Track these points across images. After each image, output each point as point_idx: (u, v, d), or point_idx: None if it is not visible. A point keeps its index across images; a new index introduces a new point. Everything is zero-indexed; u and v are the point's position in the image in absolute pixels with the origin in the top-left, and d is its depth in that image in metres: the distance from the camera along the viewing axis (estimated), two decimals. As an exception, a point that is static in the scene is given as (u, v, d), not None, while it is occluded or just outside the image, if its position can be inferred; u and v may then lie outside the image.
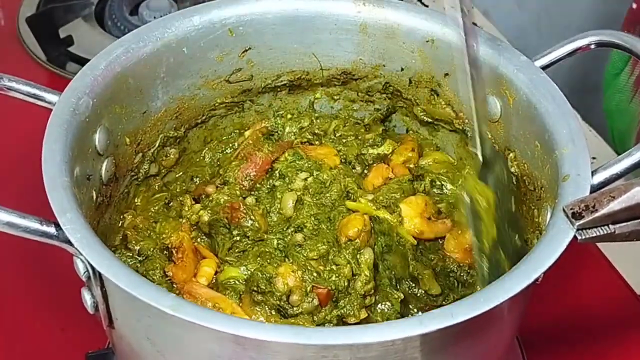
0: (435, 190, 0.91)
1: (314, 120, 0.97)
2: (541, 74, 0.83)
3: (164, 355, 0.71)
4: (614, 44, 0.84)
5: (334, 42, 0.93)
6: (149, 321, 0.69)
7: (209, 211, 0.87)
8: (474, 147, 0.84)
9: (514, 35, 1.35)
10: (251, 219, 0.85)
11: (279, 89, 0.96)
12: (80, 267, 0.71)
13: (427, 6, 1.40)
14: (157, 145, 0.91)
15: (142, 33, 0.87)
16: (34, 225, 0.70)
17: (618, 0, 1.32)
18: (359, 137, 0.95)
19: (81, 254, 0.68)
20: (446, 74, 0.90)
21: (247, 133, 0.95)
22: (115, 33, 1.30)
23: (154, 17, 1.30)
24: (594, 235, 0.69)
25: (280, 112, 0.97)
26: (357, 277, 0.81)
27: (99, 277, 0.71)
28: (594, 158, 0.75)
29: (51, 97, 0.80)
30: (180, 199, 0.91)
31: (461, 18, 0.82)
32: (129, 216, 0.88)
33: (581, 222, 0.69)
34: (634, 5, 1.28)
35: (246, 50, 0.92)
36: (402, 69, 0.92)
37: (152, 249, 0.85)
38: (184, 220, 0.88)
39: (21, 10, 1.35)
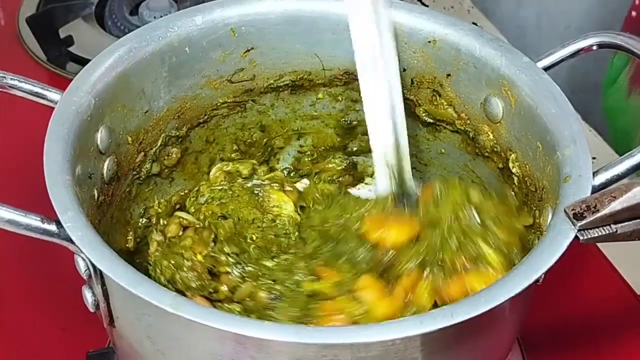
0: None
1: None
2: (543, 75, 0.83)
3: (164, 354, 0.71)
4: (616, 45, 0.84)
5: (337, 42, 0.92)
6: (150, 320, 0.69)
7: None
8: None
9: (514, 35, 1.35)
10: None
11: (281, 89, 0.96)
12: (81, 266, 0.72)
13: (427, 6, 1.41)
14: (159, 144, 0.91)
15: (144, 32, 0.87)
16: (35, 223, 0.70)
17: (618, 0, 1.32)
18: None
19: (82, 252, 0.68)
20: (448, 75, 0.90)
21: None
22: (115, 33, 1.30)
23: (154, 17, 1.29)
24: (596, 235, 0.69)
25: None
26: None
27: (100, 275, 0.71)
28: (594, 158, 0.75)
29: (53, 95, 0.81)
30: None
31: None
32: None
33: (582, 222, 0.69)
34: (633, 14, 1.28)
35: (248, 50, 0.92)
36: (403, 70, 0.92)
37: None
38: None
39: (21, 10, 1.34)
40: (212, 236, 0.87)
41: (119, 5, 1.34)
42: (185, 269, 0.83)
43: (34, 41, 1.28)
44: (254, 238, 0.88)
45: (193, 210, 0.91)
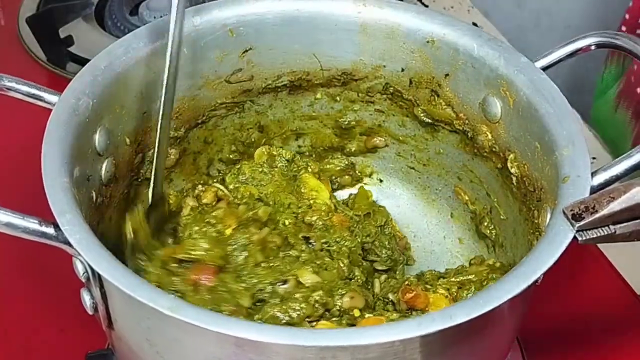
0: None
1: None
2: (542, 74, 0.83)
3: (162, 356, 0.71)
4: (615, 45, 0.84)
5: (335, 42, 0.92)
6: (148, 322, 0.69)
7: None
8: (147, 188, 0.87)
9: (514, 36, 1.35)
10: None
11: (279, 90, 0.96)
12: (79, 268, 0.72)
13: (427, 6, 1.41)
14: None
15: (142, 33, 0.87)
16: (33, 225, 0.70)
17: (618, 0, 1.32)
18: None
19: (80, 255, 0.68)
20: (446, 75, 0.90)
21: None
22: (115, 33, 1.30)
23: (154, 17, 1.29)
24: (595, 236, 0.69)
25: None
26: None
27: (98, 278, 0.71)
28: (593, 158, 0.75)
29: (51, 97, 0.80)
30: None
31: None
32: None
33: (581, 223, 0.69)
34: (627, 16, 1.28)
35: (246, 51, 0.92)
36: (402, 70, 0.92)
37: None
38: None
39: (21, 10, 1.34)
40: (250, 214, 0.88)
41: (119, 5, 1.34)
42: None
43: (34, 41, 1.28)
44: (286, 223, 0.89)
45: (232, 188, 0.93)
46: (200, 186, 0.93)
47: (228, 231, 0.86)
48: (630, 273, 1.03)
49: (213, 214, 0.88)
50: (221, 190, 0.92)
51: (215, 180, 0.95)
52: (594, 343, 0.97)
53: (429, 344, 0.66)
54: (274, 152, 0.96)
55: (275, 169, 0.95)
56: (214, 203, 0.91)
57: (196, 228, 0.86)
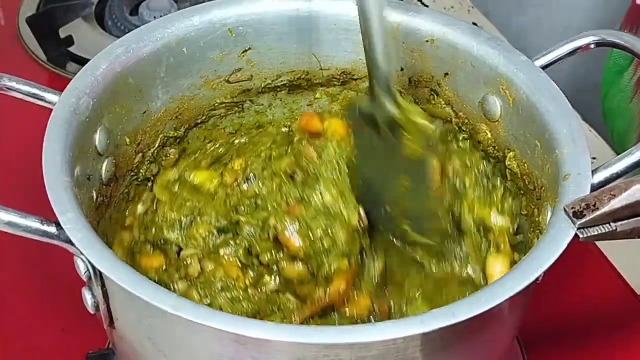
0: None
1: None
2: (541, 73, 0.83)
3: (164, 354, 0.71)
4: (614, 43, 0.84)
5: (334, 42, 0.93)
6: (150, 321, 0.69)
7: None
8: None
9: (514, 35, 1.35)
10: None
11: (278, 89, 0.96)
12: (80, 267, 0.71)
13: (427, 6, 1.41)
14: (156, 145, 0.91)
15: (142, 33, 0.87)
16: (35, 224, 0.70)
17: (619, 0, 1.32)
18: None
19: (82, 254, 0.68)
20: (446, 74, 0.90)
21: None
22: (115, 33, 1.30)
23: (154, 17, 1.30)
24: (596, 233, 0.69)
25: None
26: None
27: (100, 276, 0.71)
28: (594, 158, 0.75)
29: (51, 96, 0.80)
30: None
31: None
32: None
33: (582, 220, 0.69)
34: (638, 1, 1.28)
35: (246, 50, 0.92)
36: (401, 69, 0.92)
37: None
38: None
39: (21, 10, 1.35)
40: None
41: (119, 5, 1.34)
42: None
43: (34, 41, 1.28)
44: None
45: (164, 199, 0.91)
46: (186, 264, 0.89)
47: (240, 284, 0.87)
48: (630, 273, 1.03)
49: (217, 277, 0.87)
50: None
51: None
52: (594, 343, 0.97)
53: (430, 341, 0.66)
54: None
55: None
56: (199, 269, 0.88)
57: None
